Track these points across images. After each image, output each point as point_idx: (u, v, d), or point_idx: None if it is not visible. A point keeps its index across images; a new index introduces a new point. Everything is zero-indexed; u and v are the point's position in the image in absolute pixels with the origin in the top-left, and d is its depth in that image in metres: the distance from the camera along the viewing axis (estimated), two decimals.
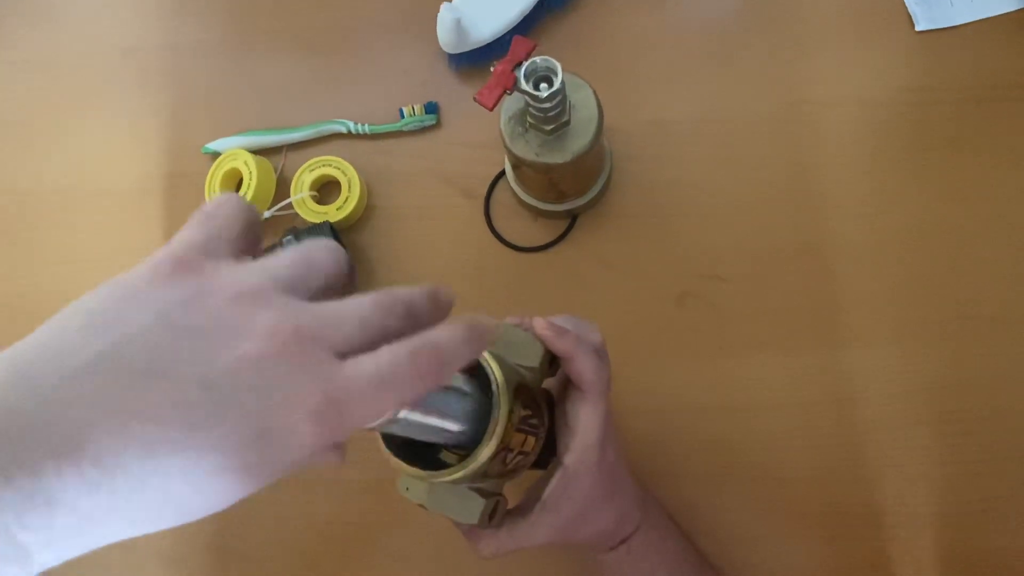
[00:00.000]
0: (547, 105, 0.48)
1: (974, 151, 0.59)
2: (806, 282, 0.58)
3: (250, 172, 0.62)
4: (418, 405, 0.30)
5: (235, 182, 0.64)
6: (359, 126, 0.64)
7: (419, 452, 0.36)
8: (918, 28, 0.62)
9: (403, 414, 0.28)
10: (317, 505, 0.58)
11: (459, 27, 0.60)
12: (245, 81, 0.68)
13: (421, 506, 0.40)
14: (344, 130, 0.64)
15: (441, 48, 0.63)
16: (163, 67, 0.69)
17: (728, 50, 0.63)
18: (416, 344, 0.24)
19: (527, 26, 0.64)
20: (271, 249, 0.57)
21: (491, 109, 0.47)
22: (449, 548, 0.55)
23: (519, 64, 0.47)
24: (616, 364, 0.45)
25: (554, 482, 0.41)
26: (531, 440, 0.38)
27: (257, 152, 0.64)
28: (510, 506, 0.43)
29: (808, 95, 0.62)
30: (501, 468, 0.36)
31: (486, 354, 0.36)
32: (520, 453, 0.38)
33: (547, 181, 0.55)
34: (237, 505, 0.22)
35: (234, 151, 0.63)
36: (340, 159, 0.62)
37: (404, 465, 0.35)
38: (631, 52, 0.64)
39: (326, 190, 0.64)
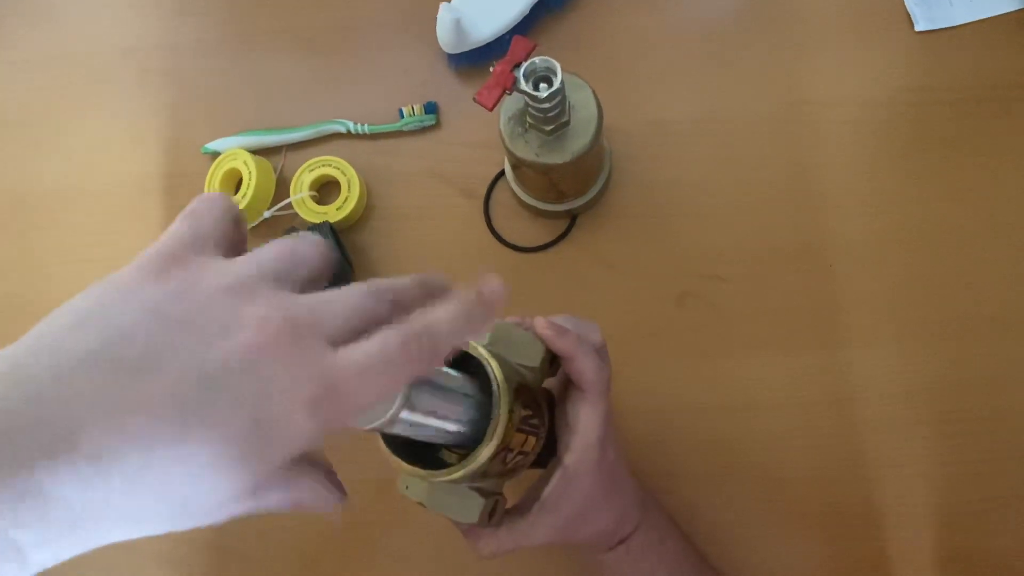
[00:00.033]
0: (547, 105, 0.48)
1: (974, 151, 0.59)
2: (806, 282, 0.58)
3: (250, 172, 0.62)
4: (418, 405, 0.30)
5: (235, 182, 0.64)
6: (359, 126, 0.64)
7: (419, 452, 0.36)
8: (918, 28, 0.62)
9: (403, 414, 0.28)
10: None
11: (459, 27, 0.60)
12: (245, 81, 0.68)
13: (421, 504, 0.40)
14: (344, 130, 0.64)
15: (441, 48, 0.63)
16: (163, 67, 0.69)
17: (728, 50, 0.63)
18: (407, 327, 0.24)
19: (527, 26, 0.64)
20: None
21: (491, 109, 0.47)
22: (449, 548, 0.55)
23: (519, 64, 0.47)
24: (616, 364, 0.45)
25: (554, 481, 0.41)
26: (531, 440, 0.38)
27: (257, 152, 0.64)
28: (510, 505, 0.43)
29: (808, 95, 0.62)
30: (501, 468, 0.36)
31: (486, 354, 0.36)
32: (520, 453, 0.38)
33: (547, 181, 0.55)
34: None
35: (234, 151, 0.63)
36: (340, 159, 0.62)
37: (404, 464, 0.35)
38: (631, 52, 0.64)
39: (326, 190, 0.64)
